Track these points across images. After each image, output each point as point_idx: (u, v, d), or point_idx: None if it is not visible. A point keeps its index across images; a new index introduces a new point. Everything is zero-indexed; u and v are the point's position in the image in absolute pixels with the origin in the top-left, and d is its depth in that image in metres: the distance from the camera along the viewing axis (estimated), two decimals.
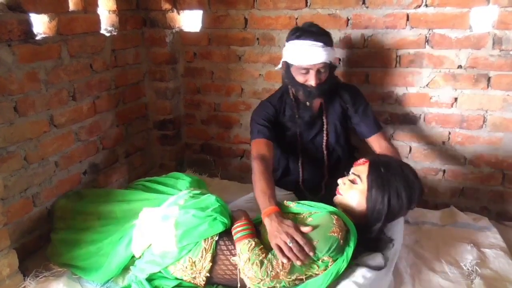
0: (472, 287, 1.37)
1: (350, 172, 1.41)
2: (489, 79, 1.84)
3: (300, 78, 1.63)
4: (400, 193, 1.30)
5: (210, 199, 1.41)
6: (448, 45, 1.84)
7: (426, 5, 1.82)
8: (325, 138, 1.79)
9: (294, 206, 1.39)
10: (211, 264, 1.31)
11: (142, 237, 1.36)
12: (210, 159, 2.43)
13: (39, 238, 1.64)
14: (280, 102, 1.77)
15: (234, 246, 1.31)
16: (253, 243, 1.27)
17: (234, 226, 1.34)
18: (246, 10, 2.08)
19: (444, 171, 2.03)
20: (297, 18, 2.01)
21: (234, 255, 1.30)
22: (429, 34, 1.85)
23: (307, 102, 1.70)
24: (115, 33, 1.98)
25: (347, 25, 1.95)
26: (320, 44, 1.56)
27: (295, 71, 1.63)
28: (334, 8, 1.94)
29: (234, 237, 1.31)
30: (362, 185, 1.34)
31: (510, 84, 1.81)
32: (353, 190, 1.36)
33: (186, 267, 1.31)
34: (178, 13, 2.20)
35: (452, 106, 1.93)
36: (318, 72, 1.59)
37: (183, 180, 1.68)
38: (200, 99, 2.34)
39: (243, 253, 1.25)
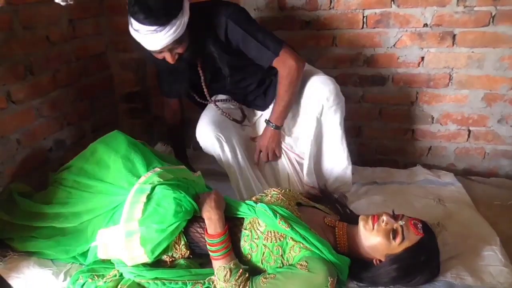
0: (438, 240, 1.40)
1: (400, 223, 1.21)
2: (454, 36, 1.84)
3: (158, 55, 1.48)
4: (415, 283, 1.22)
5: (167, 201, 1.28)
6: (414, 4, 1.82)
7: None
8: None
9: (288, 228, 1.20)
10: (188, 251, 1.30)
11: (109, 256, 1.31)
12: None
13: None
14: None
15: (204, 230, 1.29)
16: (228, 271, 1.18)
17: (207, 239, 1.25)
18: None
19: (413, 131, 2.07)
20: None
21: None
22: None
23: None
24: (71, 2, 1.87)
25: None
26: (153, 28, 1.34)
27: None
28: None
29: (209, 253, 1.25)
30: (396, 247, 1.19)
31: (474, 40, 1.83)
32: (384, 240, 1.20)
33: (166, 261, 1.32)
34: None
35: (419, 66, 1.94)
36: (170, 50, 1.43)
37: (114, 167, 1.44)
38: None
39: (219, 280, 1.19)
